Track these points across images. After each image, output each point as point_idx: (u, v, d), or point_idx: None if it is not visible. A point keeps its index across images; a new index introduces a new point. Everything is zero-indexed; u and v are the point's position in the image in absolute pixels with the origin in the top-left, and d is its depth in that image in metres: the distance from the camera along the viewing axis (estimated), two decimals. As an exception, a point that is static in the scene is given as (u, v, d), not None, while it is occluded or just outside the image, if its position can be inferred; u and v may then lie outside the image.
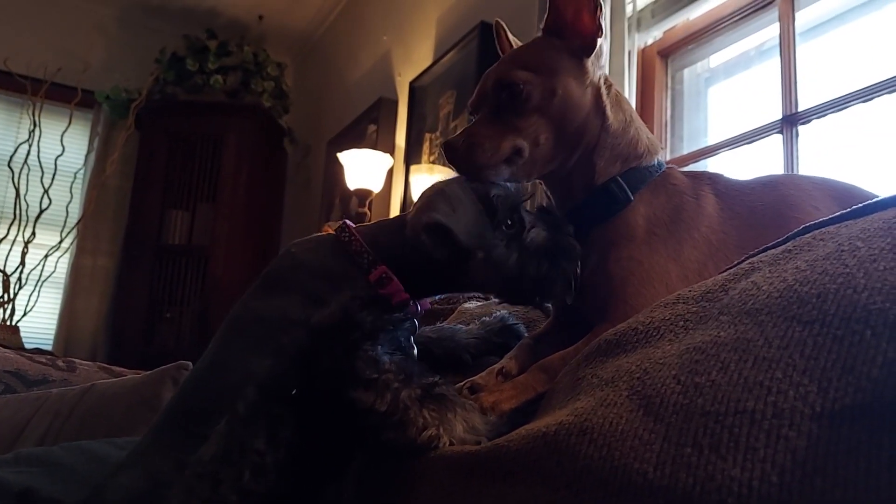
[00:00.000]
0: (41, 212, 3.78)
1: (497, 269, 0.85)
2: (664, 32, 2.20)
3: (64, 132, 3.92)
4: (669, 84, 2.22)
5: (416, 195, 2.83)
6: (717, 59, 2.17)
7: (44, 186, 3.82)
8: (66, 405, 1.52)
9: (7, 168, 3.85)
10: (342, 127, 4.03)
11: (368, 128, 3.68)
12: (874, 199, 0.60)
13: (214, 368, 0.82)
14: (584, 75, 0.91)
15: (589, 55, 0.91)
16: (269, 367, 0.77)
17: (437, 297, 0.94)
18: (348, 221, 0.91)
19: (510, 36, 1.04)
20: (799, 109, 1.76)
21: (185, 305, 4.09)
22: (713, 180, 0.94)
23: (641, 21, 2.17)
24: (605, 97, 0.92)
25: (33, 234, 3.78)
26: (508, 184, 0.89)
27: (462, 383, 0.85)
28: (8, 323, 3.66)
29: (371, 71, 3.95)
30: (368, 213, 3.14)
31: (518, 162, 0.88)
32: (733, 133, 1.95)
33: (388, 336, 0.75)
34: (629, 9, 2.08)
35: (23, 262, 3.75)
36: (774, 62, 1.85)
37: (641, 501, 0.45)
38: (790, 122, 1.77)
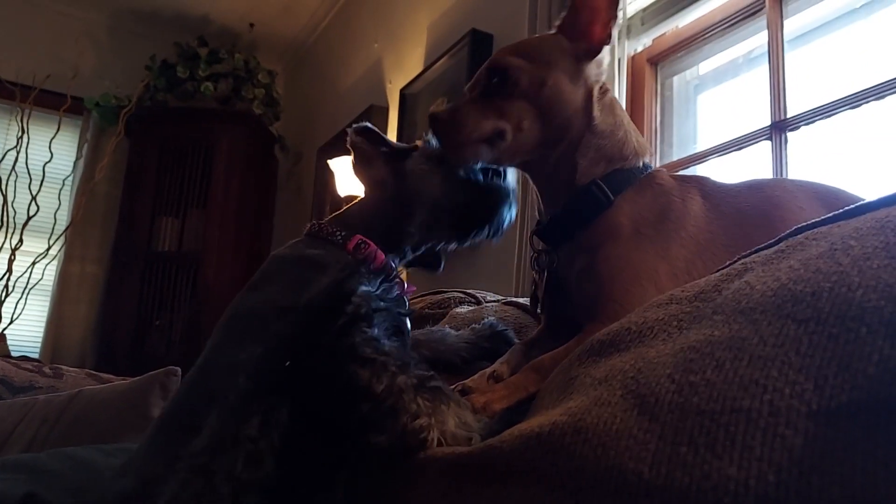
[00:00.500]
0: (29, 219, 3.76)
1: (434, 162, 0.92)
2: (654, 40, 2.21)
3: (52, 139, 3.90)
4: (659, 91, 2.23)
5: (406, 202, 2.82)
6: (706, 66, 2.18)
7: (31, 193, 3.80)
8: (53, 411, 1.50)
9: (-6, 174, 3.83)
10: (333, 134, 4.02)
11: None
12: (866, 200, 0.61)
13: (205, 368, 0.83)
14: (579, 77, 0.93)
15: (590, 60, 0.93)
16: (259, 355, 0.77)
17: (411, 256, 0.98)
18: (314, 220, 0.97)
19: None
20: (787, 116, 1.77)
21: (175, 313, 4.07)
22: (700, 182, 0.95)
23: (631, 28, 2.18)
24: (595, 100, 0.93)
25: (21, 241, 3.75)
26: None
27: (453, 386, 0.85)
28: (-6, 331, 3.63)
29: (362, 78, 3.95)
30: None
31: (499, 144, 0.90)
32: (722, 140, 1.96)
33: (383, 315, 0.77)
34: (619, 16, 2.09)
35: (10, 270, 3.72)
36: (763, 69, 1.86)
37: (637, 501, 0.45)
38: (779, 128, 1.78)
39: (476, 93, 0.93)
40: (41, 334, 4.07)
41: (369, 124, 0.97)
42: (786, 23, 1.83)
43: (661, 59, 2.21)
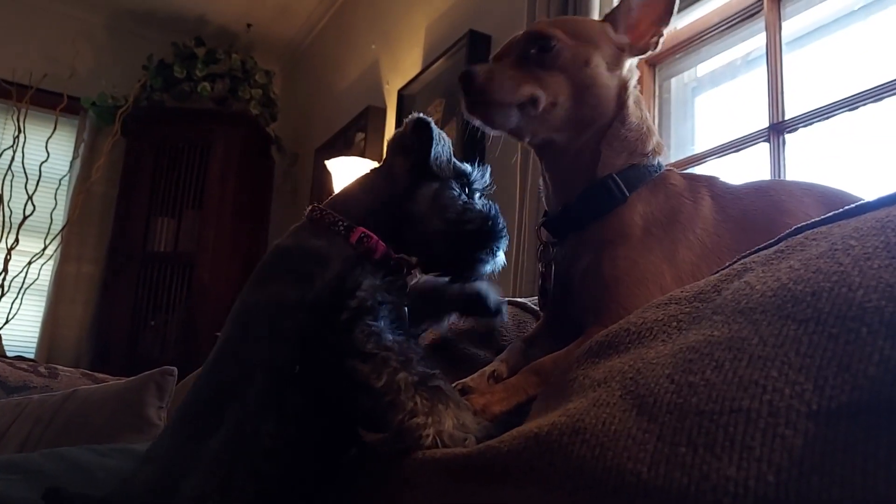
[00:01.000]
0: (25, 218, 3.75)
1: (441, 207, 0.90)
2: (652, 41, 2.21)
3: (49, 138, 3.89)
4: (657, 93, 2.23)
5: (404, 203, 2.82)
6: (704, 68, 2.18)
7: (28, 193, 3.79)
8: (48, 411, 1.50)
9: (-10, 174, 3.82)
10: (330, 135, 4.02)
11: (356, 136, 3.67)
12: (866, 200, 0.60)
13: (220, 362, 0.83)
14: (617, 67, 0.93)
15: (633, 56, 0.94)
16: (273, 353, 0.78)
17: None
18: (316, 204, 0.94)
19: None
20: (785, 118, 1.77)
21: (170, 313, 4.06)
22: (710, 183, 0.94)
23: (630, 30, 2.18)
24: (630, 92, 0.94)
25: (17, 240, 3.74)
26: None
27: (453, 385, 0.84)
28: (-11, 331, 3.61)
29: (359, 79, 3.95)
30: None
31: (531, 113, 0.89)
32: (720, 141, 1.96)
33: (388, 308, 0.77)
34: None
35: (5, 269, 3.71)
36: (761, 71, 1.86)
37: (636, 502, 0.44)
38: (777, 130, 1.78)
39: (513, 58, 0.91)
40: (37, 334, 4.06)
41: (433, 124, 0.92)
42: (784, 25, 1.84)
43: (660, 61, 2.21)
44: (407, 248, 0.94)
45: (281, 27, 4.69)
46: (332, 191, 3.16)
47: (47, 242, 3.86)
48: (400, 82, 3.37)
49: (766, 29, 1.85)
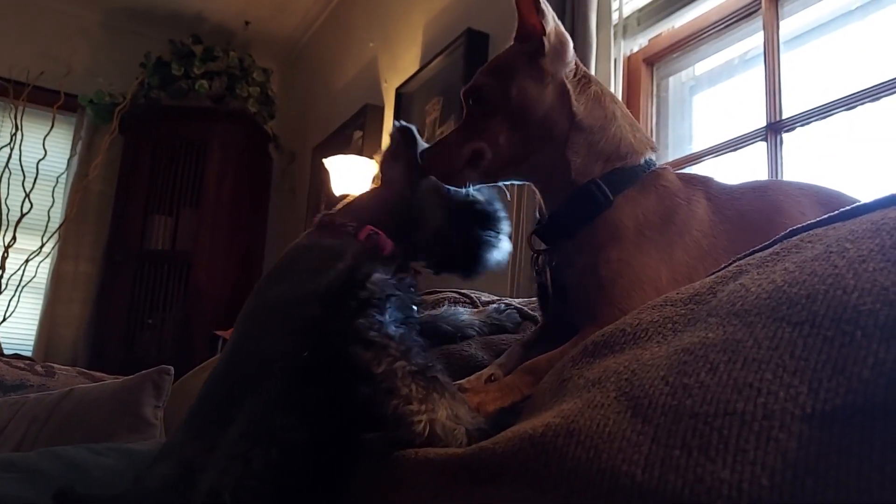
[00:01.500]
0: (22, 216, 3.74)
1: (442, 196, 0.94)
2: (650, 40, 2.21)
3: (46, 136, 3.89)
4: (655, 91, 2.23)
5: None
6: (702, 67, 2.18)
7: (25, 190, 3.78)
8: (44, 410, 1.49)
9: (-12, 172, 3.81)
10: (328, 133, 4.01)
11: (354, 134, 3.67)
12: (861, 202, 0.60)
13: (236, 356, 0.85)
14: (542, 75, 0.92)
15: (542, 56, 0.92)
16: (288, 346, 0.79)
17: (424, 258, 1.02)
18: (325, 211, 0.99)
19: None
20: (783, 117, 1.77)
21: (167, 311, 4.05)
22: (705, 183, 0.93)
23: (627, 28, 2.18)
24: (572, 94, 0.92)
25: (14, 238, 3.73)
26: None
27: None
28: (-13, 328, 3.61)
29: (357, 77, 3.94)
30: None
31: (481, 164, 0.92)
32: (718, 140, 1.96)
33: (395, 301, 0.78)
34: (615, 16, 2.09)
35: (3, 267, 3.70)
36: (759, 70, 1.86)
37: (630, 504, 0.44)
38: (774, 129, 1.78)
39: (462, 121, 0.96)
40: (34, 332, 4.06)
41: (414, 128, 1.01)
42: (782, 24, 1.84)
43: (657, 60, 2.21)
44: (416, 253, 0.97)
45: (279, 25, 4.68)
46: (330, 189, 3.16)
47: (44, 240, 3.86)
48: (398, 80, 3.37)
49: (764, 28, 1.85)
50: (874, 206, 0.57)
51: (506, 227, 0.98)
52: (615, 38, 2.08)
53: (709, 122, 2.15)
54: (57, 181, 4.03)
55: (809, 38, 1.86)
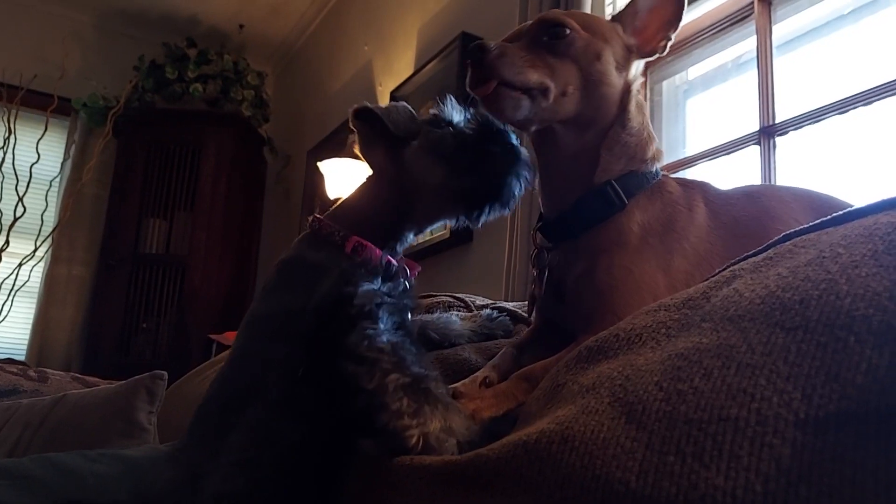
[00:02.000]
0: (15, 220, 3.73)
1: (435, 153, 0.88)
2: (643, 44, 2.21)
3: (39, 139, 3.87)
4: (648, 96, 2.23)
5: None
6: (695, 71, 2.19)
7: (18, 194, 3.77)
8: (37, 416, 1.49)
9: (-19, 175, 3.80)
10: (323, 136, 4.01)
11: (349, 137, 3.66)
12: (853, 207, 0.60)
13: (237, 364, 0.85)
14: (625, 69, 0.92)
15: (639, 58, 0.93)
16: (285, 355, 0.79)
17: (412, 240, 0.96)
18: (316, 215, 0.94)
19: None
20: (776, 121, 1.77)
21: (162, 316, 4.04)
22: (703, 189, 0.94)
23: (621, 33, 2.18)
24: (632, 96, 0.93)
25: (7, 242, 3.72)
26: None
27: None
28: (-21, 333, 3.59)
29: (352, 80, 3.94)
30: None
31: (541, 103, 0.86)
32: (711, 144, 1.96)
33: (389, 310, 0.77)
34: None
35: (-5, 271, 3.69)
36: (752, 74, 1.87)
37: (624, 511, 0.44)
38: (767, 133, 1.78)
39: (522, 43, 0.88)
40: (27, 336, 4.04)
41: (369, 104, 0.91)
42: (774, 28, 1.84)
43: (651, 64, 2.21)
44: (427, 222, 0.95)
45: (273, 28, 4.68)
46: (324, 192, 3.16)
47: (38, 244, 3.84)
48: (392, 84, 3.37)
49: (757, 32, 1.85)
50: (866, 211, 0.57)
51: (523, 153, 0.90)
52: (609, 42, 2.08)
53: (702, 126, 2.15)
54: (50, 185, 4.02)
55: (802, 42, 1.87)
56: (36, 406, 1.53)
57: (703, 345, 0.51)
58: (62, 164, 4.22)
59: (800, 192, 0.95)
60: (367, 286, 0.80)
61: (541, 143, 0.94)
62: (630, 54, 0.93)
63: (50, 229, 3.96)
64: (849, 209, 0.60)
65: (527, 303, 1.03)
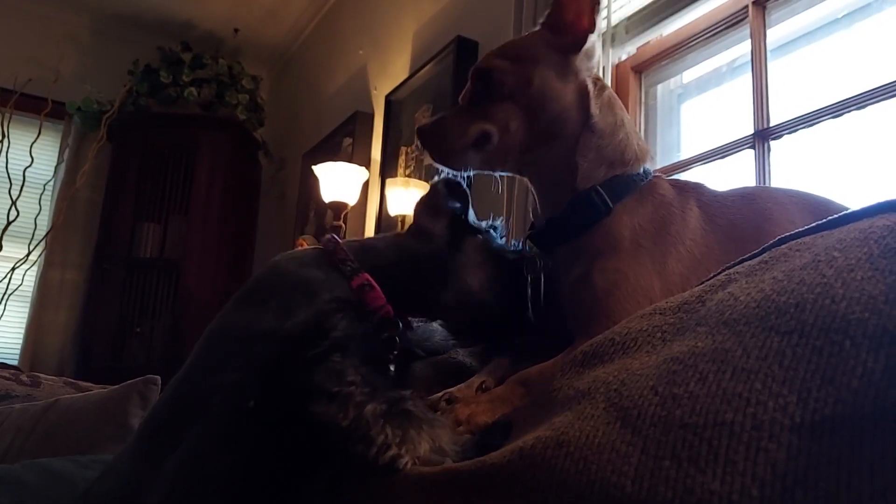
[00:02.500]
0: (8, 223, 3.71)
1: (491, 256, 0.90)
2: (638, 48, 2.22)
3: (33, 143, 3.86)
4: (643, 99, 2.23)
5: (391, 208, 2.82)
6: (689, 74, 2.19)
7: (11, 198, 3.75)
8: (29, 421, 1.48)
9: (-26, 179, 3.78)
10: (317, 140, 4.01)
11: (344, 141, 3.66)
12: (848, 211, 0.60)
13: (185, 380, 0.82)
14: (568, 71, 0.91)
15: (577, 52, 0.91)
16: (236, 381, 0.75)
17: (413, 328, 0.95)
18: (335, 236, 0.92)
19: None
20: (770, 125, 1.77)
21: (156, 320, 4.02)
22: (697, 191, 0.93)
23: (616, 37, 2.19)
24: (592, 96, 0.92)
25: (0, 246, 3.70)
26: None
27: (440, 395, 0.83)
28: (-28, 337, 3.57)
29: (347, 84, 3.94)
30: (343, 226, 3.12)
31: (487, 148, 0.90)
32: (706, 148, 1.96)
33: (360, 348, 0.74)
34: (603, 24, 2.10)
35: (-11, 275, 3.67)
36: (746, 78, 1.87)
37: (619, 516, 0.44)
38: (762, 137, 1.79)
39: (465, 101, 0.93)
40: (20, 341, 4.02)
41: (464, 184, 0.94)
42: (769, 32, 1.84)
43: (646, 68, 2.22)
44: (437, 313, 0.93)
45: (268, 32, 4.68)
46: (319, 196, 3.15)
47: (31, 248, 3.82)
48: (387, 87, 3.36)
49: (752, 36, 1.86)
50: (862, 215, 0.57)
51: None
52: (604, 46, 2.09)
53: (697, 130, 2.15)
54: (44, 188, 4.00)
55: (796, 46, 1.87)
56: (28, 411, 1.52)
57: (698, 349, 0.51)
58: (56, 167, 4.20)
59: (796, 194, 0.95)
60: (349, 323, 0.76)
61: (520, 171, 0.97)
62: (568, 55, 0.92)
63: (43, 233, 3.94)
64: (844, 212, 0.59)
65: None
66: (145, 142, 4.17)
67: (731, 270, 0.62)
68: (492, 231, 0.95)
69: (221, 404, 0.73)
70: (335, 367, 0.70)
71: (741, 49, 1.95)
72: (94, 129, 4.14)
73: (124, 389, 1.53)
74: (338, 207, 3.09)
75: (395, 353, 0.85)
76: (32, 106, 3.90)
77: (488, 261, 0.90)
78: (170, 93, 4.15)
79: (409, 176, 3.03)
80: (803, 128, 1.70)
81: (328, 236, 0.91)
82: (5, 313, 3.73)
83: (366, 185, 3.25)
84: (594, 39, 0.93)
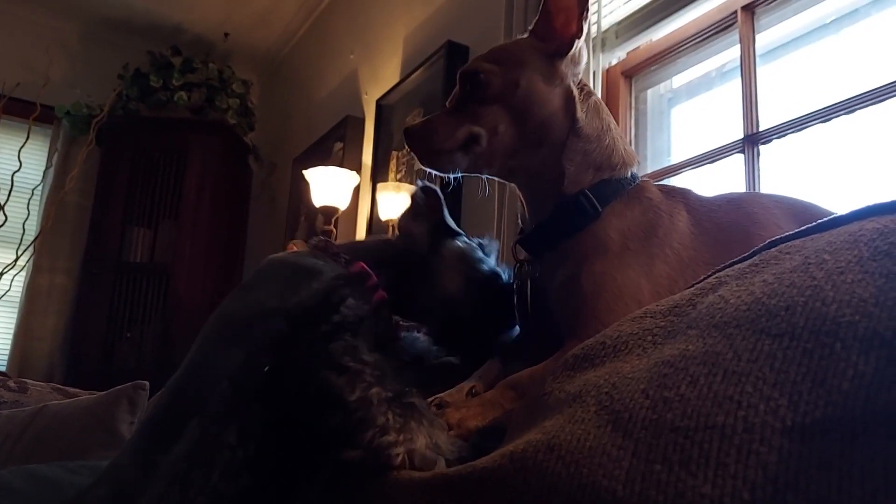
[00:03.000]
0: (-4, 228, 3.69)
1: (466, 262, 0.92)
2: (628, 53, 2.23)
3: (21, 147, 3.84)
4: (633, 104, 2.24)
5: (382, 213, 2.81)
6: (679, 79, 2.20)
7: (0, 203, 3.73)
8: (17, 427, 1.46)
9: (-39, 184, 3.75)
10: (308, 144, 4.00)
11: (335, 145, 3.66)
12: (838, 214, 0.61)
13: (188, 372, 0.82)
14: (554, 75, 0.92)
15: (563, 57, 0.92)
16: (241, 362, 0.75)
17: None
18: (322, 237, 0.96)
19: None
20: (760, 129, 1.78)
21: (146, 325, 4.00)
22: (685, 195, 0.94)
23: (606, 42, 2.19)
24: (577, 100, 0.92)
25: (-12, 251, 3.68)
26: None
27: (430, 399, 0.83)
28: (-41, 343, 3.54)
29: (338, 89, 3.94)
30: (334, 230, 3.12)
31: (475, 150, 0.90)
32: (696, 152, 1.97)
33: (369, 328, 0.75)
34: (594, 29, 2.11)
35: (-24, 281, 3.64)
36: (735, 83, 1.88)
37: (611, 520, 0.44)
38: (751, 141, 1.79)
39: (453, 104, 0.94)
40: (8, 347, 3.99)
41: (438, 190, 0.99)
42: (758, 37, 1.86)
43: (636, 73, 2.23)
44: (415, 314, 0.94)
45: (259, 36, 4.67)
46: (310, 200, 3.15)
47: (19, 253, 3.80)
48: (378, 92, 3.36)
49: (741, 41, 1.87)
50: (851, 218, 0.57)
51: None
52: (594, 52, 2.09)
53: (687, 135, 2.16)
54: (32, 193, 3.98)
55: (785, 51, 1.88)
56: (16, 417, 1.51)
57: (689, 352, 0.51)
58: (44, 172, 4.17)
59: (783, 199, 0.95)
60: (358, 301, 0.78)
61: (506, 175, 0.97)
62: (555, 60, 0.92)
63: (32, 238, 3.92)
64: (834, 216, 0.60)
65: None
66: (135, 146, 4.15)
67: (722, 273, 0.62)
68: (470, 241, 0.97)
69: (227, 387, 0.73)
70: (349, 343, 0.71)
71: (730, 54, 1.97)
72: (83, 133, 4.12)
73: (113, 395, 1.52)
74: (328, 212, 3.08)
75: (392, 334, 0.88)
76: (21, 110, 3.88)
77: (464, 268, 0.93)
78: (160, 97, 4.13)
79: (400, 180, 3.03)
80: (792, 132, 1.71)
81: (315, 238, 0.94)
82: (-7, 319, 3.71)
83: (356, 190, 3.24)
84: (581, 45, 0.93)
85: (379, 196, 2.91)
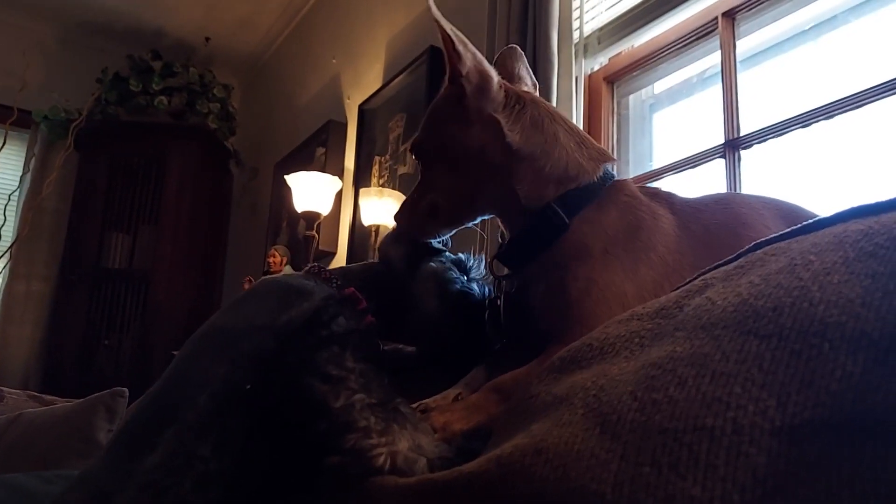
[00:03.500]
0: (-28, 234, 3.63)
1: (440, 284, 0.94)
2: (610, 59, 2.24)
3: (-2, 152, 3.78)
4: (615, 109, 2.25)
5: (365, 218, 2.80)
6: (661, 85, 2.21)
7: (-25, 208, 3.68)
8: (-9, 436, 1.44)
9: (-65, 189, 3.69)
10: (290, 149, 3.98)
11: (317, 150, 3.64)
12: (822, 216, 0.61)
13: (169, 382, 0.81)
14: (467, 115, 0.91)
15: (465, 96, 0.91)
16: (224, 376, 0.75)
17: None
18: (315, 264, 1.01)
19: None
20: (741, 134, 1.80)
21: (124, 332, 3.96)
22: (670, 198, 0.93)
23: (588, 47, 2.20)
24: (505, 126, 0.90)
25: (-38, 257, 3.62)
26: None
27: (415, 405, 0.82)
28: (-67, 351, 3.48)
29: (320, 93, 3.93)
30: (316, 236, 3.10)
31: (438, 214, 0.95)
32: (677, 157, 1.98)
33: (358, 342, 0.76)
34: (576, 35, 2.12)
35: (-50, 287, 3.58)
36: (716, 89, 1.89)
37: (599, 524, 0.43)
38: (732, 146, 1.81)
39: (420, 174, 0.99)
40: (-17, 354, 3.93)
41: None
42: (738, 43, 1.87)
43: (618, 78, 2.24)
44: (403, 335, 0.95)
45: (240, 41, 4.65)
46: (291, 206, 3.13)
47: (-5, 259, 3.75)
48: (361, 97, 3.36)
49: (721, 47, 1.88)
50: (836, 220, 0.58)
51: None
52: (576, 57, 2.10)
53: (668, 140, 2.17)
54: (9, 199, 3.93)
55: (765, 57, 1.90)
56: (-10, 426, 1.48)
57: (676, 354, 0.51)
58: (22, 177, 4.12)
59: (767, 199, 0.95)
60: (348, 320, 0.78)
61: (480, 206, 0.99)
62: (462, 100, 0.91)
63: (8, 244, 3.86)
64: (819, 217, 0.60)
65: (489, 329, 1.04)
66: (114, 151, 4.11)
67: (708, 275, 0.62)
68: (446, 259, 1.00)
69: (206, 400, 0.73)
70: (335, 352, 0.72)
71: (711, 60, 1.98)
72: (61, 137, 4.07)
73: (90, 402, 1.50)
74: (311, 217, 3.06)
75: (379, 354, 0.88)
76: (-3, 114, 3.83)
77: (436, 289, 0.96)
78: (139, 101, 4.09)
79: (382, 185, 3.02)
80: (773, 137, 1.73)
81: (308, 266, 0.98)
82: (-32, 326, 3.65)
83: (339, 195, 3.23)
84: (476, 77, 0.91)
85: (361, 201, 2.90)
